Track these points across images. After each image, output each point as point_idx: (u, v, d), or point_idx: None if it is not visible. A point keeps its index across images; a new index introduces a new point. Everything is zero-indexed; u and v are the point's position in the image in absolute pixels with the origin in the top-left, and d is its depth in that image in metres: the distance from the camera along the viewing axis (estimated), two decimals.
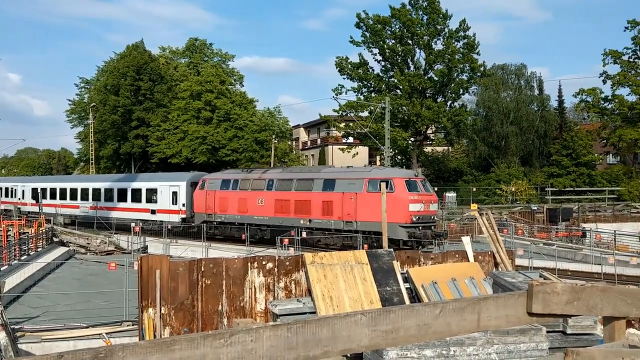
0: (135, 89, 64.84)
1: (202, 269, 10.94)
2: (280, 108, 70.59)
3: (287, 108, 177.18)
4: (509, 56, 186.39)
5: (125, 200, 42.42)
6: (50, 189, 50.32)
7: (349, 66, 50.89)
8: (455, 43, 49.14)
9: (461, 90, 50.89)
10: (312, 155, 78.70)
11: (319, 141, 79.19)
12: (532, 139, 54.15)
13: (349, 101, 50.38)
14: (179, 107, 63.41)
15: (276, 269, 11.36)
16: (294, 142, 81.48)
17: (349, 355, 5.27)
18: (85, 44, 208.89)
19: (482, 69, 50.15)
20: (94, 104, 68.89)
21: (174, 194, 38.35)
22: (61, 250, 33.24)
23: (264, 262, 11.36)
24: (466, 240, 13.25)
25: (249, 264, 11.29)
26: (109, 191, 44.40)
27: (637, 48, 44.28)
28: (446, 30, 49.24)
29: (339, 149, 58.94)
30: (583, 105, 48.26)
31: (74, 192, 47.70)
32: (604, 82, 45.75)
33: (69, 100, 79.67)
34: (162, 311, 10.57)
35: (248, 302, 11.16)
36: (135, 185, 42.14)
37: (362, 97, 50.83)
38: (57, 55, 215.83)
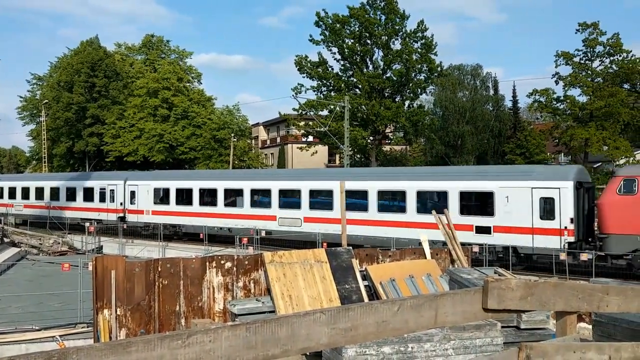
0: (89, 86, 63.37)
1: (159, 269, 10.79)
2: (239, 106, 70.21)
3: (245, 106, 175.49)
4: (463, 56, 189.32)
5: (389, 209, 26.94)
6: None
7: (309, 65, 50.94)
8: (413, 43, 49.76)
9: (419, 90, 51.58)
10: (272, 153, 78.47)
11: (278, 140, 79.02)
12: (487, 138, 55.18)
13: (308, 100, 50.43)
14: (135, 105, 62.30)
15: (235, 269, 11.29)
16: (253, 141, 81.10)
17: (308, 353, 5.28)
18: (35, 38, 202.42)
19: (439, 69, 50.91)
20: (47, 100, 67.05)
21: (547, 201, 23.20)
22: (12, 250, 32.29)
23: (222, 262, 11.27)
24: (423, 237, 13.43)
25: (207, 263, 11.20)
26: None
27: (588, 50, 45.57)
28: (404, 30, 49.81)
29: (298, 147, 58.98)
30: (536, 105, 49.38)
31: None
32: (556, 82, 46.88)
33: (20, 97, 77.45)
34: (118, 312, 10.38)
35: (206, 302, 11.06)
36: (434, 185, 26.14)
37: (321, 96, 50.96)
38: (4, 49, 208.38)
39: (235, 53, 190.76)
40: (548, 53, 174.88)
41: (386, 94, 51.06)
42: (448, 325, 3.09)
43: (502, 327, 8.78)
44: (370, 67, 51.19)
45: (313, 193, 29.42)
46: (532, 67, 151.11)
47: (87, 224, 35.54)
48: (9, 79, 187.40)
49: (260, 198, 31.52)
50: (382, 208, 27.15)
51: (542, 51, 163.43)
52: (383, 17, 49.59)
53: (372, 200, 27.27)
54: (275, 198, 30.52)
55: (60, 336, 13.43)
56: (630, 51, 44.67)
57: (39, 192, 44.75)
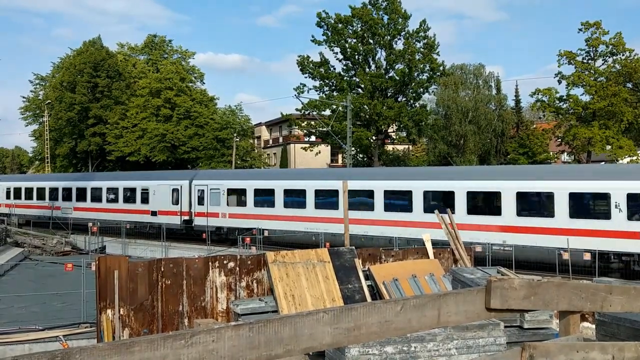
0: (92, 86, 63.45)
1: (162, 269, 10.79)
2: (241, 106, 70.28)
3: (246, 106, 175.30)
4: (462, 55, 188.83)
5: None
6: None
7: (311, 65, 50.93)
8: (416, 43, 49.71)
9: (421, 89, 51.51)
10: (274, 153, 78.47)
11: (280, 139, 79.01)
12: (489, 138, 55.08)
13: (311, 100, 50.45)
14: (138, 105, 62.35)
15: (238, 268, 11.29)
16: (255, 141, 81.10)
17: (311, 353, 5.28)
18: (31, 38, 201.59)
19: (441, 68, 50.83)
20: (50, 101, 67.13)
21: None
22: (15, 251, 32.34)
23: (225, 262, 11.28)
24: (426, 237, 13.42)
25: (210, 263, 11.20)
26: None
27: (591, 49, 45.45)
28: (406, 30, 49.79)
29: (301, 147, 58.97)
30: (539, 104, 49.25)
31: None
32: (559, 82, 46.72)
33: (23, 97, 77.42)
34: (121, 312, 10.39)
35: (209, 302, 11.07)
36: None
37: (324, 96, 50.95)
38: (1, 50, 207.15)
39: (232, 52, 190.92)
40: (546, 51, 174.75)
41: (389, 94, 51.02)
42: (451, 324, 3.09)
43: (505, 326, 8.76)
44: (373, 67, 51.15)
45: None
46: (531, 66, 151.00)
47: (90, 224, 35.69)
48: (6, 79, 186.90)
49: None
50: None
51: (540, 49, 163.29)
52: (385, 17, 49.57)
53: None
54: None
55: (64, 336, 13.45)
56: (633, 50, 44.58)
57: None
